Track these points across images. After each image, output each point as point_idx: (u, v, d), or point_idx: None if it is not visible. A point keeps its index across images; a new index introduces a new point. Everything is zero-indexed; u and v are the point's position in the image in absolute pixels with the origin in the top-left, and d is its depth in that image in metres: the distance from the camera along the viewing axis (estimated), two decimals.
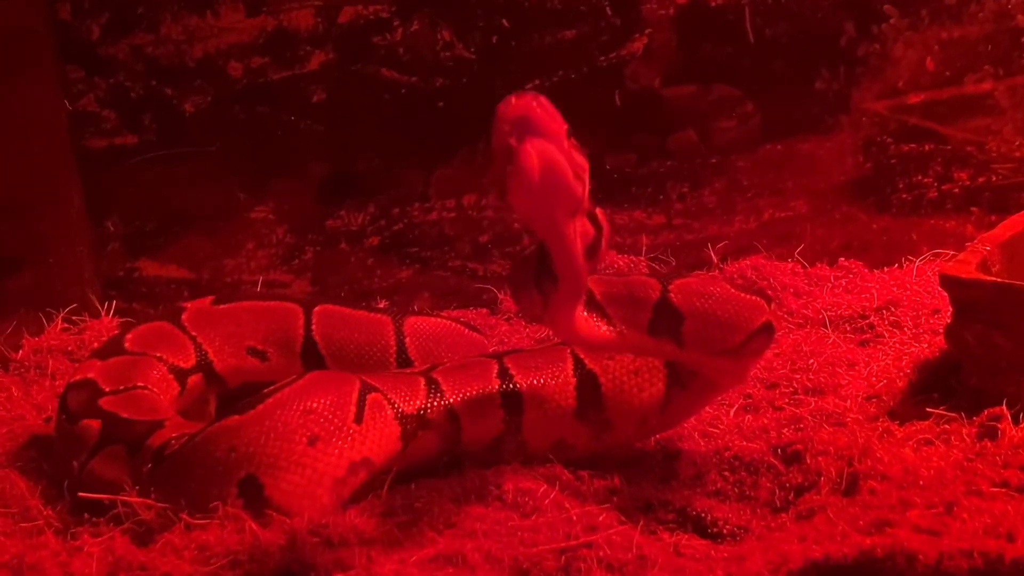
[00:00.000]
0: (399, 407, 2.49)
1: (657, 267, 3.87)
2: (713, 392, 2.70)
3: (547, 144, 1.95)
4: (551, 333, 3.46)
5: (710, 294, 2.48)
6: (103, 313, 3.75)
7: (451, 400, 2.54)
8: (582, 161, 2.06)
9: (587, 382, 2.60)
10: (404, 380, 2.58)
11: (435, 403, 2.53)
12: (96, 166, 3.80)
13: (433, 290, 3.95)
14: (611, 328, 2.38)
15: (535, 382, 2.58)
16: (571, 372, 2.60)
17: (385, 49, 3.77)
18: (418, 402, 2.52)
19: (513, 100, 1.95)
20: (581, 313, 2.31)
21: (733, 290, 2.53)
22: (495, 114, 1.97)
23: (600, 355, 2.62)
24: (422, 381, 2.57)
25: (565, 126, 1.99)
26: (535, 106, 1.95)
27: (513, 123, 1.95)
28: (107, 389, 2.74)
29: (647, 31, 3.76)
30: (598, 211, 2.22)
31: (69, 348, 3.50)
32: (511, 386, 2.57)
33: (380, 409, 2.46)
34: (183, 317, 3.08)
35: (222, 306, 3.14)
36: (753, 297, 2.54)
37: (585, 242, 2.17)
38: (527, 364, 2.62)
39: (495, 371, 2.60)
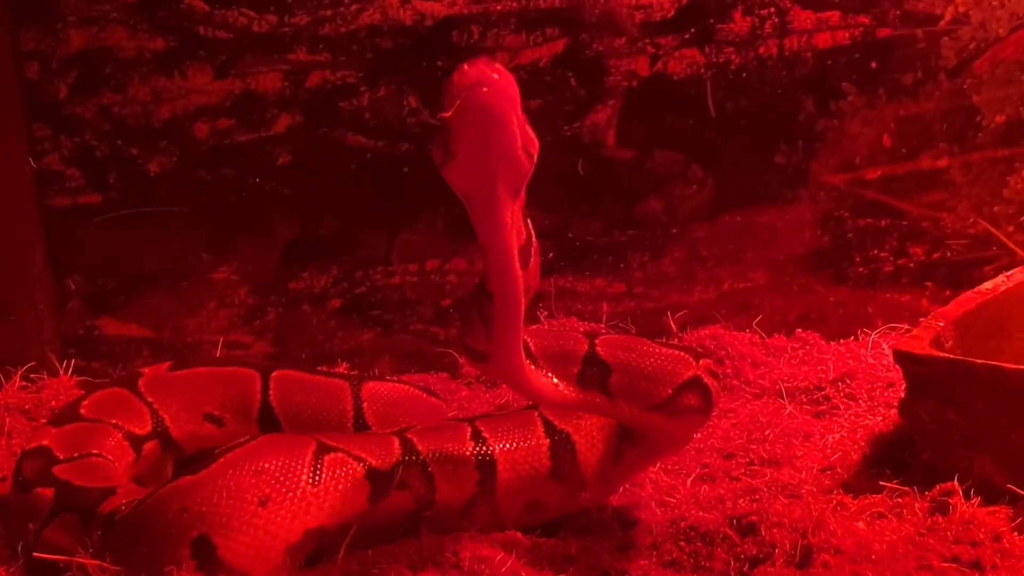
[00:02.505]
0: (371, 465, 2.48)
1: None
2: (658, 454, 2.77)
3: (499, 95, 1.96)
4: (510, 399, 3.50)
5: (634, 348, 2.55)
6: (61, 372, 3.73)
7: (427, 460, 2.54)
8: (533, 136, 2.08)
9: (561, 442, 2.63)
10: (376, 440, 2.58)
11: (410, 462, 2.53)
12: (59, 224, 3.79)
13: (394, 353, 3.95)
14: (549, 379, 2.42)
15: (509, 445, 2.61)
16: (543, 433, 2.64)
17: (352, 114, 3.80)
18: (392, 461, 2.52)
19: (466, 67, 1.96)
20: (523, 358, 2.33)
21: (657, 346, 2.59)
22: (447, 83, 1.97)
23: (570, 414, 2.65)
24: (396, 441, 2.57)
25: (518, 95, 2.00)
26: (489, 72, 1.95)
27: (467, 88, 1.95)
28: (61, 457, 2.73)
29: (610, 102, 3.82)
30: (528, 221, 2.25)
31: (27, 407, 3.47)
32: (485, 449, 2.59)
33: (344, 468, 2.45)
34: (140, 383, 3.08)
35: (179, 372, 3.15)
36: (679, 352, 2.60)
37: (519, 242, 2.18)
38: (499, 427, 2.65)
39: (468, 434, 2.62)
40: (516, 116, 2.01)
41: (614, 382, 2.49)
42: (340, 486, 2.44)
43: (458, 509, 2.55)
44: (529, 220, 2.23)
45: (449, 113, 1.97)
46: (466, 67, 1.95)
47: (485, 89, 1.94)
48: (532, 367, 2.38)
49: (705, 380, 2.57)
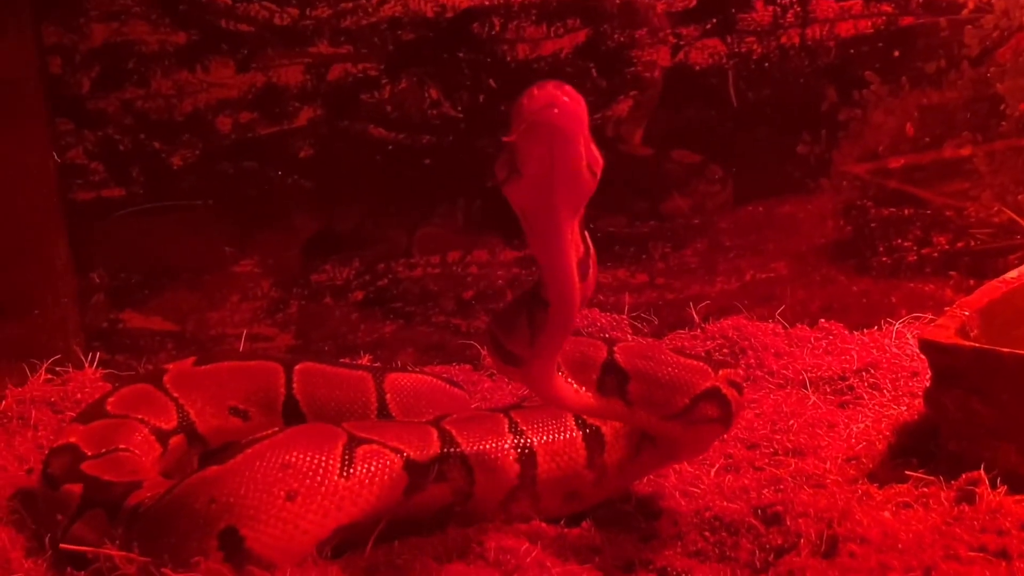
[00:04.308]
0: (409, 457, 2.48)
1: (639, 326, 3.90)
2: (677, 457, 2.77)
3: (568, 117, 1.96)
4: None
5: (651, 356, 2.56)
6: (86, 364, 3.75)
7: (466, 452, 2.54)
8: (598, 155, 2.08)
9: (592, 434, 2.65)
10: (413, 430, 2.57)
11: (450, 454, 2.52)
12: (83, 218, 3.80)
13: (416, 345, 3.96)
14: (571, 385, 2.43)
15: (547, 437, 2.61)
16: (575, 426, 2.64)
17: (373, 106, 3.80)
18: (432, 453, 2.51)
19: (536, 90, 1.96)
20: (556, 366, 2.35)
21: (675, 355, 2.59)
22: (516, 106, 1.97)
23: None
24: (434, 432, 2.56)
25: (587, 116, 2.00)
26: (558, 94, 1.95)
27: (536, 110, 1.95)
28: (89, 453, 2.75)
29: (632, 93, 3.81)
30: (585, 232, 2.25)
31: (52, 399, 3.49)
32: (524, 440, 2.59)
33: (379, 460, 2.45)
34: (165, 379, 3.10)
35: (203, 367, 3.16)
36: (698, 363, 2.60)
37: (577, 256, 2.18)
38: (534, 419, 2.64)
39: (506, 425, 2.62)
40: (583, 137, 2.01)
41: (632, 390, 2.50)
42: (376, 479, 2.42)
43: (497, 502, 2.54)
44: (587, 232, 2.23)
45: (516, 135, 1.98)
46: (535, 90, 1.96)
47: (555, 111, 1.94)
48: (561, 377, 2.39)
49: (724, 391, 2.57)
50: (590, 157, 2.05)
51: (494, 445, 2.57)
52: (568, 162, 2.01)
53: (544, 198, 2.08)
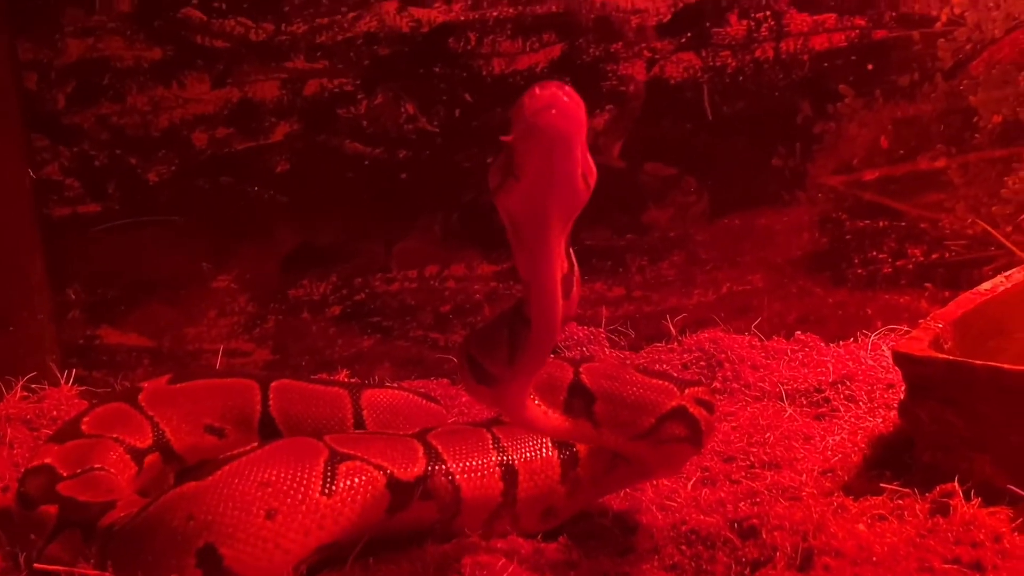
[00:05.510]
0: (392, 474, 2.44)
1: (616, 339, 3.90)
2: (650, 476, 2.77)
3: (569, 119, 1.92)
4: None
5: (617, 376, 2.52)
6: (62, 381, 3.74)
7: (453, 469, 2.51)
8: (592, 165, 2.05)
9: (567, 450, 2.63)
10: (397, 444, 2.53)
11: (436, 471, 2.49)
12: (59, 234, 3.81)
13: (394, 360, 3.96)
14: (539, 407, 2.40)
15: (528, 454, 2.59)
16: (550, 443, 2.62)
17: (349, 121, 3.81)
18: (417, 470, 2.48)
19: (537, 90, 1.92)
20: (530, 388, 2.33)
21: (640, 375, 2.56)
22: (516, 105, 1.94)
23: None
24: (420, 448, 2.52)
25: (586, 120, 1.97)
26: (560, 95, 1.91)
27: (537, 110, 1.91)
28: (64, 474, 2.73)
29: (608, 107, 3.82)
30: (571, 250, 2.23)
31: (28, 417, 3.48)
32: (507, 457, 2.57)
33: (361, 477, 2.41)
34: (140, 397, 3.08)
35: (179, 384, 3.15)
36: (664, 382, 2.57)
37: (562, 271, 2.15)
38: (514, 435, 2.62)
39: (490, 441, 2.59)
40: (581, 142, 1.98)
41: (598, 411, 2.47)
42: (359, 497, 2.39)
43: (481, 521, 2.52)
44: (572, 249, 2.20)
45: (514, 136, 1.95)
46: (537, 90, 1.92)
47: (554, 111, 1.91)
48: (531, 399, 2.37)
49: (691, 410, 2.54)
50: (586, 166, 2.02)
51: (481, 463, 2.54)
52: (567, 165, 1.97)
53: (539, 205, 2.04)
